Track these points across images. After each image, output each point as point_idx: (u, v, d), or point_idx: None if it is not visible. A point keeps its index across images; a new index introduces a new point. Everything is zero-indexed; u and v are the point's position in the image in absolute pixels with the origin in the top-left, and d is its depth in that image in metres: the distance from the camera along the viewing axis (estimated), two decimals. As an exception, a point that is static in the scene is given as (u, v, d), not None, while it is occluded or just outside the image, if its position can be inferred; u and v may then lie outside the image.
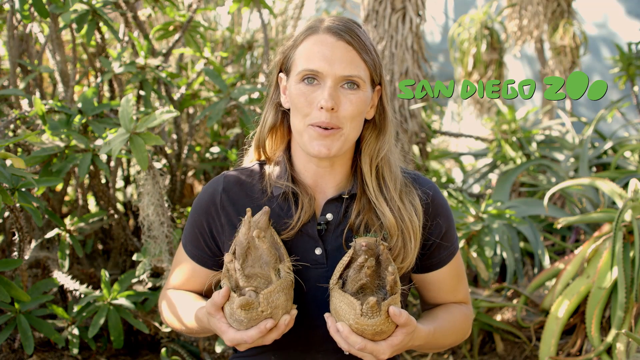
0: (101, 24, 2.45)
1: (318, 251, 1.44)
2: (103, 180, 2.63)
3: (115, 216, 2.57)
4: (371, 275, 1.31)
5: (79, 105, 2.36)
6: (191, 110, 3.28)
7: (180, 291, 1.57)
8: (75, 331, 2.23)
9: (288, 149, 1.52)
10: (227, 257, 1.30)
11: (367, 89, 1.42)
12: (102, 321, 2.17)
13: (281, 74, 1.49)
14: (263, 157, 1.55)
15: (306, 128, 1.39)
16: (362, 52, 1.40)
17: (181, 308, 1.51)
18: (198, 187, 3.51)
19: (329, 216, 1.46)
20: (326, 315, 1.34)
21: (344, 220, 1.46)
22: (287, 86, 1.45)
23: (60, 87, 2.54)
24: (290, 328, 1.43)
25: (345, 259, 1.34)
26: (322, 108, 1.36)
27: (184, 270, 1.56)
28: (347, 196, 1.46)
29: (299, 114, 1.40)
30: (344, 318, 1.28)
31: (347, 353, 1.32)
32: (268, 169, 1.51)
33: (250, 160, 1.58)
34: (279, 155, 1.51)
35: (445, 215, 1.52)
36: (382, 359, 1.30)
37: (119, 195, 3.05)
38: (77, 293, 2.26)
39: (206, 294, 1.57)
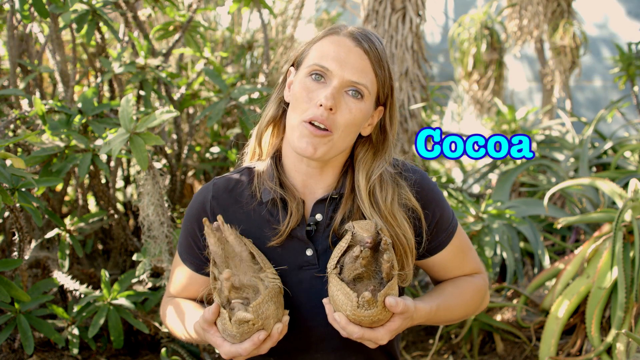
0: (101, 24, 2.45)
1: (309, 252, 1.44)
2: (103, 180, 2.63)
3: (115, 216, 2.57)
4: (368, 262, 1.31)
5: (79, 105, 2.36)
6: (191, 110, 3.28)
7: (181, 300, 1.58)
8: (75, 331, 2.23)
9: (278, 151, 1.52)
10: (225, 274, 1.30)
11: (370, 103, 1.41)
12: (102, 321, 2.17)
13: (291, 68, 1.49)
14: (258, 155, 1.55)
15: (300, 124, 1.38)
16: (375, 64, 1.40)
17: (182, 318, 1.53)
18: (198, 187, 3.51)
19: (318, 217, 1.46)
20: (324, 300, 1.35)
21: (333, 221, 1.46)
22: (294, 79, 1.45)
23: (60, 87, 2.54)
24: (288, 330, 1.44)
25: (342, 245, 1.35)
26: (321, 106, 1.36)
27: (181, 277, 1.57)
28: (335, 196, 1.46)
29: (297, 109, 1.39)
30: (341, 308, 1.29)
31: (346, 337, 1.32)
32: (259, 166, 1.51)
33: (250, 157, 1.58)
34: (268, 162, 1.51)
35: (435, 200, 1.51)
36: (382, 343, 1.32)
37: (119, 195, 3.05)
38: (77, 293, 2.26)
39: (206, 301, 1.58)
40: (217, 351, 2.25)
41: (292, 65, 1.49)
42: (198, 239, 1.50)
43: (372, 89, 1.40)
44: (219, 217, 1.37)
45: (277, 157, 1.51)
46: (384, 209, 1.43)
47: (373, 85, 1.40)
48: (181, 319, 1.53)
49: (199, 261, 1.52)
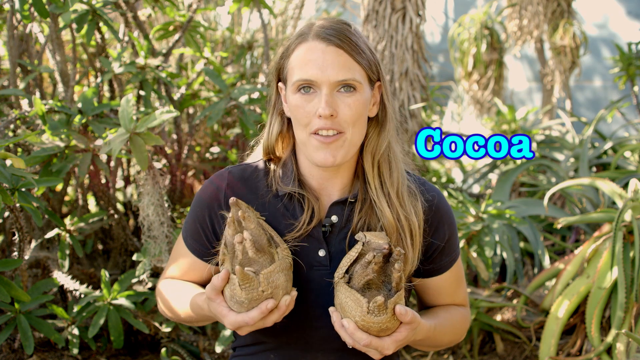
0: (101, 24, 2.45)
1: (322, 253, 1.44)
2: (103, 180, 2.63)
3: (115, 216, 2.57)
4: (377, 271, 1.31)
5: (79, 105, 2.36)
6: (191, 110, 3.28)
7: (179, 281, 1.56)
8: (75, 331, 2.23)
9: (294, 149, 1.52)
10: (237, 238, 1.28)
11: (365, 90, 1.41)
12: (102, 321, 2.17)
13: (280, 84, 1.49)
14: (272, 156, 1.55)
15: (309, 137, 1.39)
16: (354, 54, 1.39)
17: (180, 296, 1.51)
18: (198, 187, 3.50)
19: (334, 218, 1.46)
20: (331, 309, 1.34)
21: (348, 223, 1.45)
22: (286, 96, 1.45)
23: (60, 87, 2.54)
24: (292, 328, 1.43)
25: (352, 254, 1.34)
26: (320, 116, 1.36)
27: (183, 262, 1.55)
28: (353, 200, 1.46)
29: (300, 124, 1.40)
30: (349, 314, 1.29)
31: (351, 347, 1.32)
32: (274, 167, 1.51)
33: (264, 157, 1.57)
34: (287, 156, 1.51)
35: (448, 223, 1.52)
36: (387, 354, 1.31)
37: (119, 195, 3.05)
38: (77, 293, 2.26)
39: (205, 284, 1.57)
40: (217, 351, 2.25)
41: (279, 80, 1.49)
42: (207, 226, 1.49)
43: (361, 76, 1.40)
44: (242, 205, 1.34)
45: (294, 153, 1.51)
46: (392, 190, 1.43)
47: (360, 74, 1.40)
48: (179, 297, 1.50)
49: (204, 248, 1.50)
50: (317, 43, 1.39)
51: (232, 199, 1.33)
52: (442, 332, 1.49)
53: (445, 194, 3.22)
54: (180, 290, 1.52)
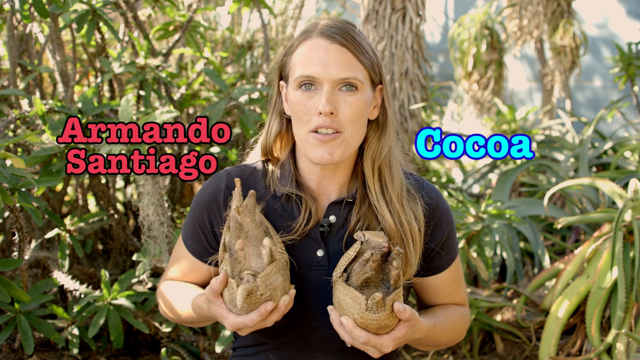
0: (101, 24, 2.45)
1: (320, 253, 1.44)
2: (103, 180, 2.63)
3: (115, 216, 2.57)
4: (376, 269, 1.31)
5: (79, 105, 2.36)
6: (191, 110, 3.28)
7: (180, 282, 1.57)
8: (75, 331, 2.23)
9: (293, 150, 1.52)
10: (239, 244, 1.28)
11: (367, 90, 1.41)
12: (102, 321, 2.17)
13: (282, 82, 1.49)
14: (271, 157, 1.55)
15: (307, 136, 1.39)
16: (357, 53, 1.39)
17: (181, 298, 1.51)
18: (198, 187, 3.51)
19: (332, 218, 1.46)
20: (329, 308, 1.34)
21: (346, 223, 1.46)
22: (287, 93, 1.45)
23: (60, 87, 2.54)
24: (291, 328, 1.43)
25: (351, 253, 1.34)
26: (320, 113, 1.36)
27: (183, 264, 1.55)
28: (351, 200, 1.46)
29: (300, 122, 1.40)
30: (348, 312, 1.29)
31: (350, 345, 1.32)
32: (272, 167, 1.51)
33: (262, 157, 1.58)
34: (285, 157, 1.51)
35: (447, 222, 1.52)
36: (386, 351, 1.31)
37: (119, 195, 3.05)
38: (77, 293, 2.26)
39: (206, 285, 1.57)
40: (217, 351, 2.25)
41: (281, 79, 1.49)
42: (206, 227, 1.49)
43: (363, 76, 1.40)
44: (251, 192, 1.35)
45: (293, 154, 1.51)
46: (393, 194, 1.43)
47: (363, 73, 1.40)
48: (180, 298, 1.50)
49: (204, 249, 1.50)
50: (320, 40, 1.39)
51: (251, 192, 1.34)
52: (442, 331, 1.49)
53: (445, 194, 3.22)
54: (181, 291, 1.53)
